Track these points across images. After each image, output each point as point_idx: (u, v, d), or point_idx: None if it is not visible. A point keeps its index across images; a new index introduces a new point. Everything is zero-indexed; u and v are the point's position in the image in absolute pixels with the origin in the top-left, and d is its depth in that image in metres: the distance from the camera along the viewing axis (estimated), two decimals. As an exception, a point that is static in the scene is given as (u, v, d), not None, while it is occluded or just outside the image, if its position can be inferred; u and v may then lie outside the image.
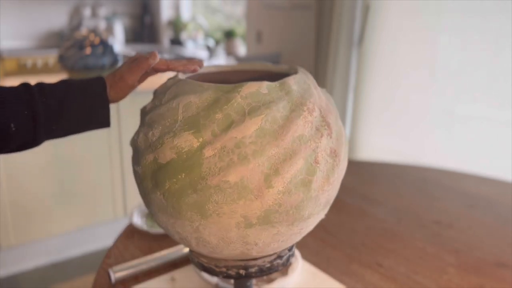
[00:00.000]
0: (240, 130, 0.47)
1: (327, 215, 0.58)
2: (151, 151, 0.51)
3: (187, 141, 0.48)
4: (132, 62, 0.60)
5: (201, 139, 0.48)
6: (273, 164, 0.47)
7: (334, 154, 0.52)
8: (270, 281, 0.76)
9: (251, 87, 0.49)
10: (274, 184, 0.47)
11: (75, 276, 1.92)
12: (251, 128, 0.47)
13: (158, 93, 0.57)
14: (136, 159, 0.55)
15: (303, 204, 0.50)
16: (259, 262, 0.56)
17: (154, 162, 0.50)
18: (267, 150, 0.47)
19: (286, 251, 0.59)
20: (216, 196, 0.47)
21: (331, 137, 0.52)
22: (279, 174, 0.47)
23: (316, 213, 0.53)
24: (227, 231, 0.49)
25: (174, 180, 0.48)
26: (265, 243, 0.51)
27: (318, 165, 0.50)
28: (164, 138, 0.49)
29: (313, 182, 0.49)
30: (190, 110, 0.50)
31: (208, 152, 0.47)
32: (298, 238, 0.56)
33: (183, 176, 0.48)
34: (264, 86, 0.50)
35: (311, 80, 0.56)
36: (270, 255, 0.57)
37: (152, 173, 0.51)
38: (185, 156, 0.48)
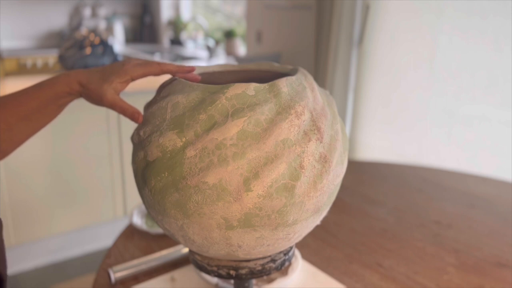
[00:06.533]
0: (221, 131, 0.46)
1: (327, 216, 0.58)
2: (141, 148, 0.52)
3: (171, 140, 0.48)
4: (141, 64, 0.55)
5: (184, 139, 0.48)
6: (253, 167, 0.46)
7: (323, 159, 0.50)
8: (270, 281, 0.76)
9: (237, 89, 0.49)
10: (253, 188, 0.46)
11: (75, 276, 1.92)
12: (232, 130, 0.46)
13: (157, 92, 0.58)
14: (132, 155, 0.56)
15: (286, 209, 0.48)
16: (250, 264, 0.56)
17: (144, 159, 0.51)
18: (248, 153, 0.46)
19: (281, 255, 0.58)
20: (196, 196, 0.47)
21: (321, 142, 0.50)
22: (258, 178, 0.46)
23: (303, 219, 0.51)
24: (209, 232, 0.49)
25: (159, 178, 0.49)
26: (250, 246, 0.51)
27: (303, 170, 0.48)
28: (152, 136, 0.50)
29: (296, 187, 0.48)
30: (177, 110, 0.50)
31: (190, 152, 0.47)
32: (287, 244, 0.54)
33: (166, 175, 0.48)
34: (251, 88, 0.49)
35: (309, 82, 0.54)
36: (263, 258, 0.56)
37: (142, 170, 0.51)
38: (169, 155, 0.48)
